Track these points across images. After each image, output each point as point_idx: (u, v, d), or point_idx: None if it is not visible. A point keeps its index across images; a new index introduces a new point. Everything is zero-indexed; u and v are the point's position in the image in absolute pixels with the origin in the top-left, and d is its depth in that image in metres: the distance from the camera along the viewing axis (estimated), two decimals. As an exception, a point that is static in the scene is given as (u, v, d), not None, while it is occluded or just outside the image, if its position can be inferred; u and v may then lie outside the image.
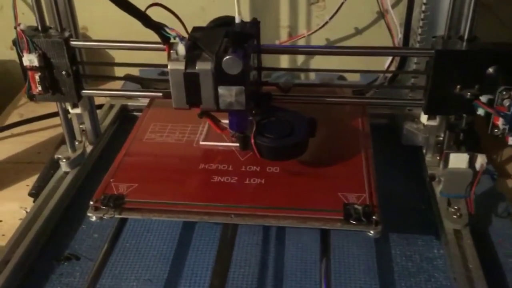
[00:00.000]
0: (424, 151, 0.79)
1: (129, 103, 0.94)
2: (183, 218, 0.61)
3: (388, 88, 0.89)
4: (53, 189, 0.76)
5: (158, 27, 0.57)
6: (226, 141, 0.70)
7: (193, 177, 0.65)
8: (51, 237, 0.71)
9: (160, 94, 0.70)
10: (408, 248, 0.69)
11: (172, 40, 0.58)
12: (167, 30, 0.57)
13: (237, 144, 0.66)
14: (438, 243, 0.69)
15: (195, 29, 0.61)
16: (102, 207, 0.60)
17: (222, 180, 0.64)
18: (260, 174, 0.65)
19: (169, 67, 0.57)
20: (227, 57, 0.55)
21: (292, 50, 0.93)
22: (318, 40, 1.03)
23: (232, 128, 0.65)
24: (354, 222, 0.57)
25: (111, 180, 0.64)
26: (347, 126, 0.74)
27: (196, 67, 0.57)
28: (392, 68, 0.87)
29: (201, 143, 0.71)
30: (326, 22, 0.95)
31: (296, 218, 0.59)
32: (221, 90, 0.58)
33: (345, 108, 0.77)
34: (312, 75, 1.10)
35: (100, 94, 0.76)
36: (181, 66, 0.57)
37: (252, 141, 0.61)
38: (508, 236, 0.69)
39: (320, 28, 0.96)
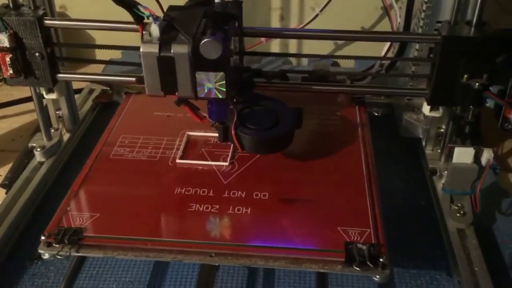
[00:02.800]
0: (423, 143, 0.75)
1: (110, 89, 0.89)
2: (153, 257, 0.53)
3: (386, 75, 0.84)
4: (27, 181, 0.71)
5: (130, 5, 0.51)
6: (206, 159, 0.63)
7: (167, 204, 0.57)
8: (24, 233, 0.66)
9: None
10: (408, 249, 0.64)
11: (146, 20, 0.52)
12: (140, 8, 0.51)
13: (220, 164, 0.61)
14: (440, 243, 0.64)
15: (172, 8, 0.55)
16: (54, 244, 0.52)
17: (201, 209, 0.56)
18: (245, 201, 0.56)
19: (141, 49, 0.51)
20: (206, 39, 0.50)
21: (283, 34, 0.88)
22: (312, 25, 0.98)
23: (212, 118, 0.60)
24: (357, 268, 0.49)
25: (68, 208, 0.56)
26: (347, 144, 0.65)
27: (171, 51, 0.51)
28: (390, 54, 0.82)
29: (178, 161, 0.63)
30: (323, 8, 0.89)
31: (288, 259, 0.51)
32: (199, 76, 0.52)
33: (344, 118, 0.70)
34: (305, 61, 1.05)
35: (77, 79, 0.70)
36: (154, 49, 0.51)
37: (233, 132, 0.56)
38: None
39: (314, 18, 0.90)
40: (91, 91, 0.88)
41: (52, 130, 0.76)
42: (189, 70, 0.52)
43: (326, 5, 0.87)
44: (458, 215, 0.63)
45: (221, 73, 0.52)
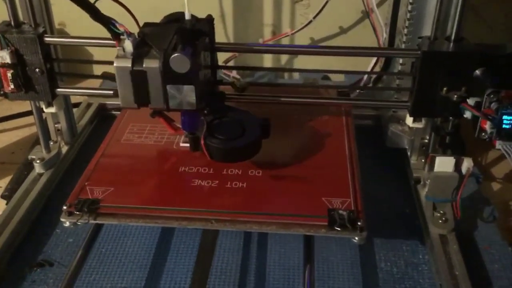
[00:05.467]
0: (408, 153, 0.78)
1: (107, 102, 0.92)
2: (161, 223, 0.59)
3: (372, 89, 0.88)
4: (27, 191, 0.73)
5: (107, 22, 0.55)
6: None
7: (172, 180, 0.63)
8: (23, 242, 0.68)
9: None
10: (392, 253, 0.67)
11: (122, 37, 0.55)
12: (116, 25, 0.55)
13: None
14: (423, 249, 0.67)
15: (146, 24, 0.59)
16: (76, 212, 0.57)
17: (202, 183, 0.62)
18: (242, 178, 0.63)
19: (114, 64, 0.55)
20: (175, 54, 0.53)
21: (275, 50, 0.92)
22: (302, 39, 1.01)
23: (185, 128, 0.63)
24: (338, 229, 0.55)
25: (86, 183, 0.61)
26: (332, 128, 0.72)
27: (144, 65, 0.55)
28: (377, 68, 0.85)
29: (181, 144, 0.68)
30: (310, 21, 0.94)
31: (279, 224, 0.57)
32: (170, 89, 0.56)
33: (329, 109, 0.76)
34: (296, 75, 1.08)
35: (75, 93, 0.73)
36: (127, 63, 0.55)
37: (202, 142, 0.59)
38: (494, 242, 0.68)
39: (304, 27, 0.95)
40: (88, 105, 0.91)
41: (51, 143, 0.78)
42: (161, 83, 0.55)
43: (317, 14, 0.92)
44: (440, 221, 0.66)
45: (191, 86, 0.55)
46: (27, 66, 0.65)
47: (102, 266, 0.66)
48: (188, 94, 0.56)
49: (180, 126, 0.63)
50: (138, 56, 0.55)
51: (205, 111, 0.61)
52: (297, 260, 0.66)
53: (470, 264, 0.62)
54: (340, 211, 0.57)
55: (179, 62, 0.53)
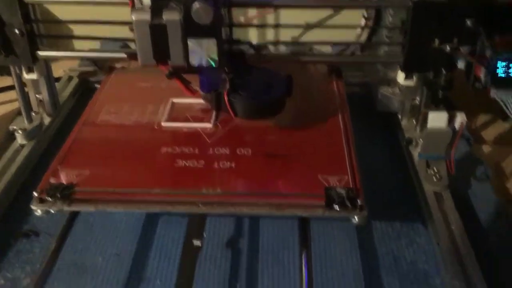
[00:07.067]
0: (399, 116, 0.77)
1: (89, 75, 0.89)
2: (143, 209, 0.55)
3: (361, 56, 0.86)
4: (9, 162, 0.70)
5: None
6: (191, 122, 0.64)
7: (154, 162, 0.58)
8: (7, 212, 0.66)
9: (124, 55, 0.65)
10: (387, 216, 0.66)
11: None
12: None
13: (204, 125, 0.62)
14: (419, 209, 0.66)
15: None
16: (48, 198, 0.53)
17: (187, 164, 0.57)
18: (230, 157, 0.58)
19: (133, 17, 0.53)
20: (197, 4, 0.51)
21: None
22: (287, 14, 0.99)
23: (203, 90, 0.61)
24: (337, 208, 0.52)
25: (59, 166, 0.57)
26: (324, 104, 0.69)
27: (163, 17, 0.52)
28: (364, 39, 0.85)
29: (163, 124, 0.64)
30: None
31: (272, 205, 0.53)
32: (191, 43, 0.54)
33: (321, 84, 0.73)
34: (282, 49, 1.06)
35: (57, 56, 0.70)
36: (146, 16, 0.52)
37: (226, 98, 0.57)
38: (489, 200, 0.68)
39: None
40: (70, 78, 0.88)
41: (33, 114, 0.75)
42: (181, 37, 0.53)
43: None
44: (434, 179, 0.65)
45: (213, 40, 0.53)
46: (5, 26, 0.62)
47: (91, 234, 0.63)
48: (210, 48, 0.53)
49: (197, 89, 0.60)
50: (156, 8, 0.52)
51: (226, 69, 0.58)
52: (292, 244, 0.62)
53: (466, 222, 0.61)
54: (338, 189, 0.53)
55: (202, 11, 0.51)
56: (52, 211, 0.53)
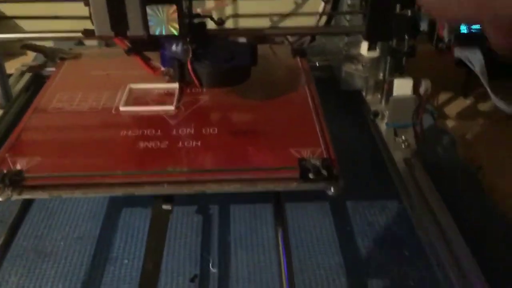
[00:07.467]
0: (363, 93, 0.76)
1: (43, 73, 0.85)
2: (102, 193, 0.50)
3: (324, 27, 0.84)
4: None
5: None
6: (151, 105, 0.61)
7: (113, 145, 0.55)
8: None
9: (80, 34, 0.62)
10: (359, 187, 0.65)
11: None
12: None
13: (166, 108, 0.60)
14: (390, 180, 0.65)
15: None
16: None
17: (149, 146, 0.54)
18: (195, 136, 0.55)
19: None
20: None
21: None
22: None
23: (165, 64, 0.59)
24: (313, 177, 0.49)
25: (7, 154, 0.53)
26: (290, 80, 0.68)
27: None
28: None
29: (122, 108, 0.60)
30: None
31: (243, 181, 0.50)
32: (150, 9, 0.52)
33: (286, 61, 0.73)
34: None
35: (8, 39, 0.67)
36: None
37: (190, 67, 0.55)
38: (457, 167, 0.68)
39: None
40: (22, 73, 0.85)
41: (-16, 106, 0.72)
42: (139, 3, 0.51)
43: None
44: (403, 146, 0.65)
45: (173, 6, 0.51)
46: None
47: (51, 220, 0.60)
48: (170, 15, 0.51)
49: (159, 65, 0.58)
50: None
51: (188, 39, 0.56)
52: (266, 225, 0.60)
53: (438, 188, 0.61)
54: (312, 160, 0.51)
55: None
56: (1, 199, 0.48)
